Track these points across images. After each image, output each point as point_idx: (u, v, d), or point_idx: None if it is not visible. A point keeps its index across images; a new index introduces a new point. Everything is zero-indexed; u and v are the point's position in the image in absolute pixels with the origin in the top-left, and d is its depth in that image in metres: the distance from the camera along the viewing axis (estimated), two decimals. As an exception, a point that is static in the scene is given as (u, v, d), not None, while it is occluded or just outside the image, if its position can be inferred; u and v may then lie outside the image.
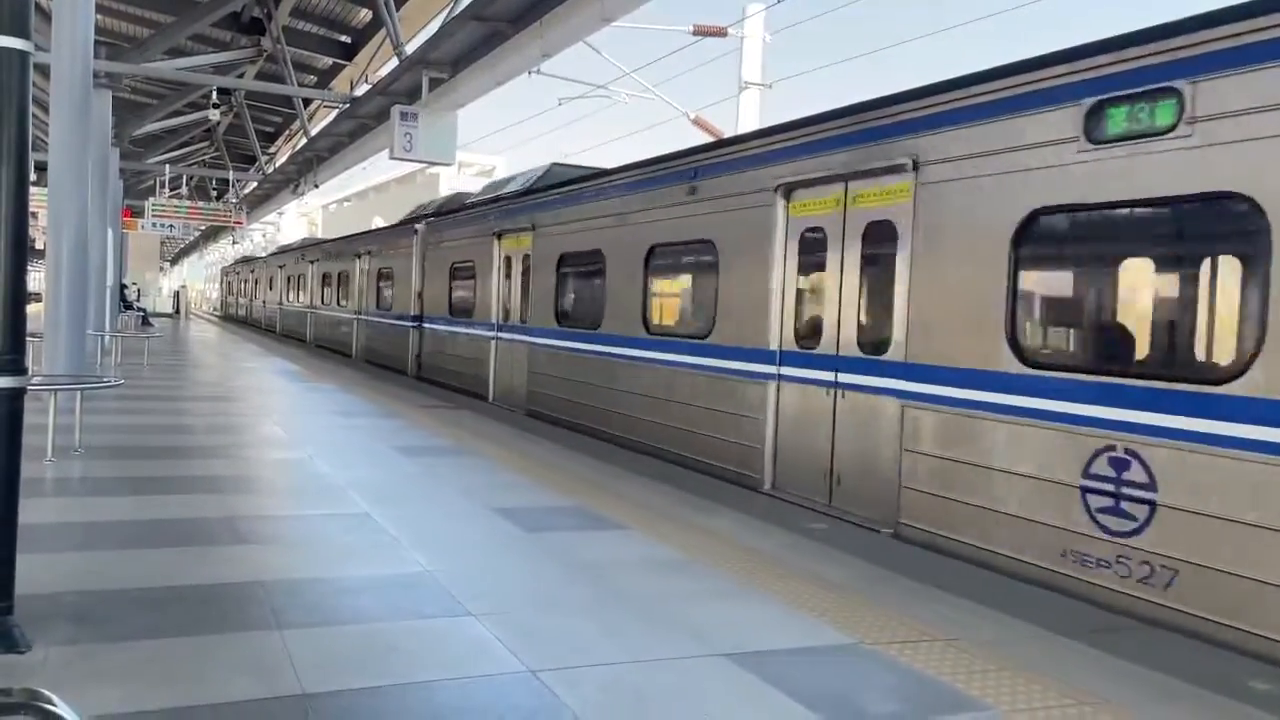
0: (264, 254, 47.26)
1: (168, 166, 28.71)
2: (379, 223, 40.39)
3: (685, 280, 9.90)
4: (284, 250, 36.35)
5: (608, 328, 10.38)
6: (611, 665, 3.67)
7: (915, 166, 6.35)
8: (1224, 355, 4.91)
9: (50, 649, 3.53)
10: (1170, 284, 5.48)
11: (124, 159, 24.05)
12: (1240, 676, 3.86)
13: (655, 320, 9.82)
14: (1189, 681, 3.75)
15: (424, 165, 31.14)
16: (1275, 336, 4.39)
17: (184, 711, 3.09)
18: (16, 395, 3.67)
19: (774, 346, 7.74)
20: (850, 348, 7.01)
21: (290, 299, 31.28)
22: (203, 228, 40.63)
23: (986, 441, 5.75)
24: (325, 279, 25.79)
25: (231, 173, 29.87)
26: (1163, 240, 5.42)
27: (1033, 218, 5.57)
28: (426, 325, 17.05)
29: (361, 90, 17.81)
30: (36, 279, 22.10)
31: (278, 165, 29.33)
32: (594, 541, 5.57)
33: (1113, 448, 5.03)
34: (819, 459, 7.24)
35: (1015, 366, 5.61)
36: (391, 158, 14.14)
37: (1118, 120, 5.14)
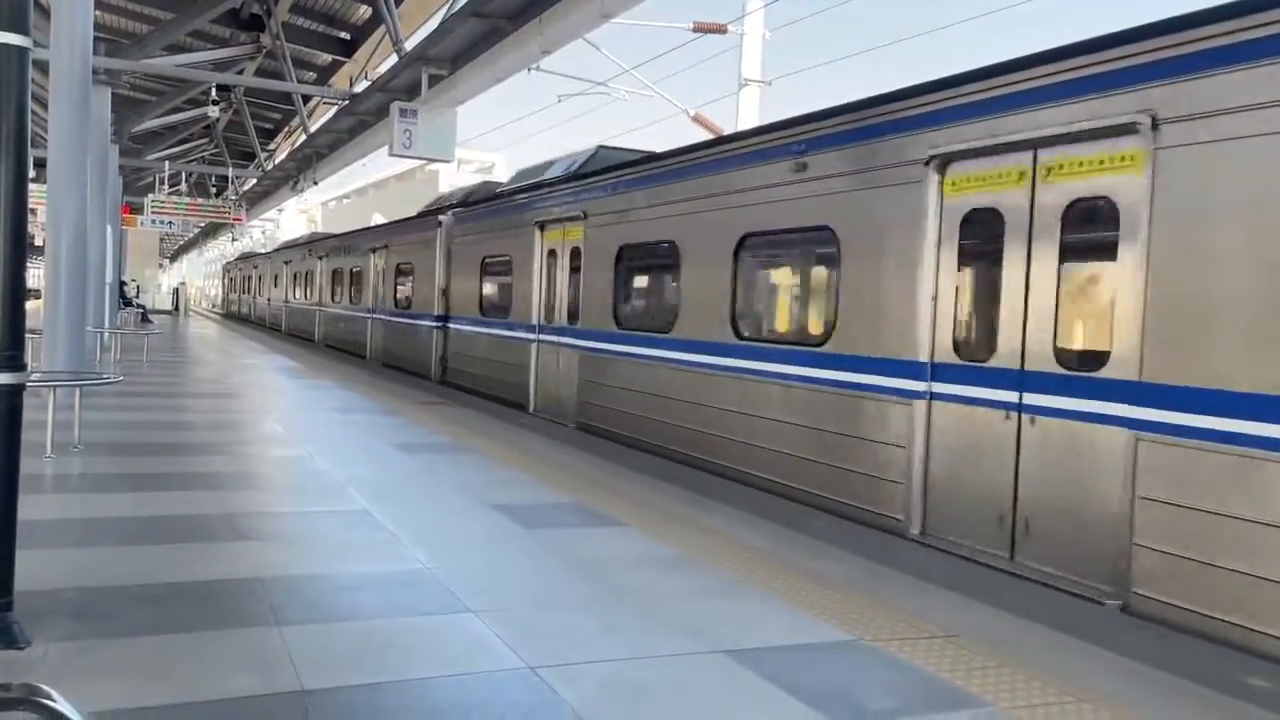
0: (264, 249, 47.09)
1: (167, 163, 28.69)
2: (378, 219, 40.38)
3: (790, 276, 8.35)
4: (291, 245, 35.12)
5: (683, 331, 8.99)
6: (610, 662, 3.67)
7: (1154, 125, 4.89)
8: None
9: (49, 645, 3.53)
10: None
11: (123, 155, 24.03)
12: (1240, 674, 3.87)
13: (748, 323, 8.31)
14: (1189, 679, 3.75)
15: (423, 162, 31.07)
16: None
17: (183, 707, 3.09)
18: (16, 391, 3.66)
19: (922, 357, 6.25)
20: (1043, 361, 5.52)
21: (298, 296, 29.97)
22: (202, 224, 40.69)
23: None
24: (336, 275, 24.41)
25: (231, 169, 29.86)
26: None
27: None
28: (453, 325, 15.88)
29: (361, 87, 17.78)
30: (36, 275, 22.10)
31: (277, 162, 29.31)
32: (594, 538, 5.57)
33: None
34: (994, 500, 5.76)
35: None
36: (391, 154, 14.11)
37: None
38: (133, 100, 23.28)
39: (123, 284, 29.91)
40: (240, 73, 19.95)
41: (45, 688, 1.83)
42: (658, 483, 7.34)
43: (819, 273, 7.64)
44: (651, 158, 10.12)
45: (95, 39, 12.04)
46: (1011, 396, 5.70)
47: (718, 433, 8.30)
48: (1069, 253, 5.46)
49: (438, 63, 14.09)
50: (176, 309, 43.10)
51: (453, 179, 54.24)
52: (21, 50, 3.70)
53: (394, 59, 15.31)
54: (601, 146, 12.74)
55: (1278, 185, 4.37)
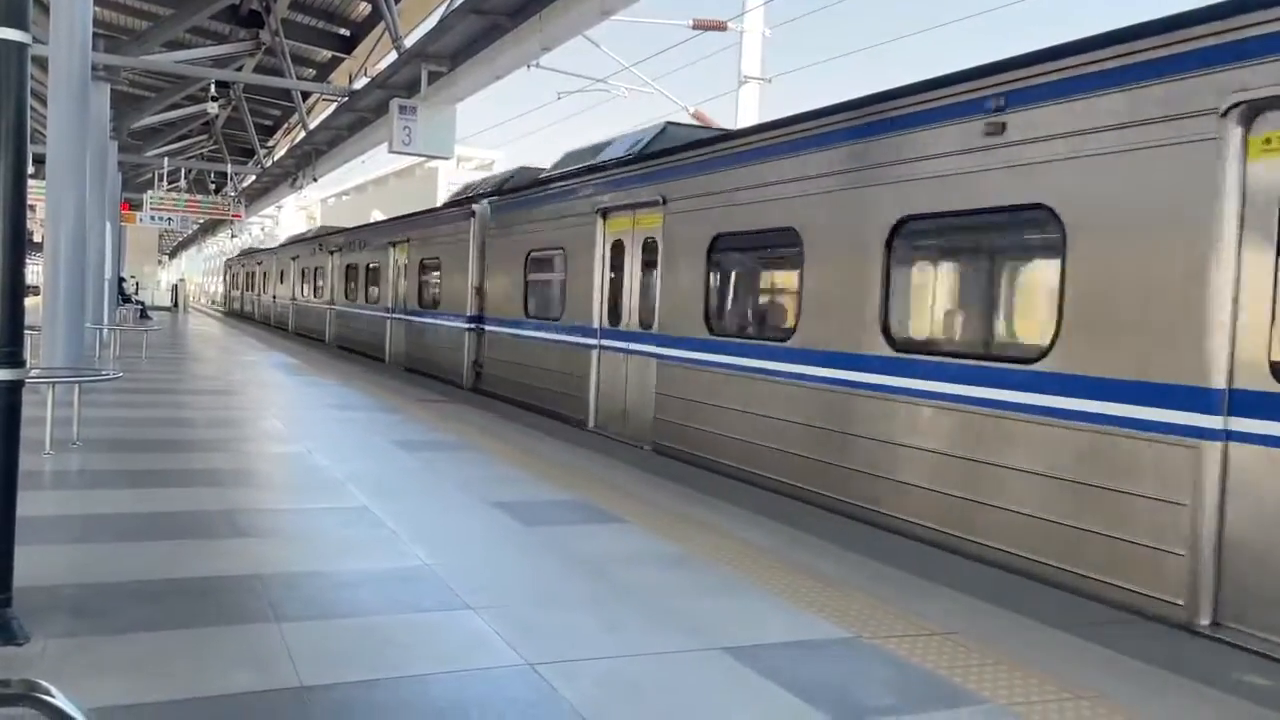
0: (266, 245, 46.85)
1: (166, 159, 28.67)
2: (377, 216, 40.26)
3: (972, 271, 6.60)
4: (298, 239, 32.89)
5: (805, 340, 7.40)
6: (609, 659, 3.67)
7: None
8: None
9: (48, 641, 3.53)
10: None
11: (122, 152, 24.03)
12: (1234, 670, 3.87)
13: (907, 329, 6.69)
14: (1184, 675, 3.75)
15: (423, 159, 31.04)
16: None
17: (182, 703, 3.09)
18: (14, 388, 3.66)
19: (1215, 383, 4.59)
20: None
21: (307, 294, 28.11)
22: (201, 221, 40.67)
23: None
24: (350, 271, 22.75)
25: (230, 166, 29.86)
26: None
27: None
28: (488, 327, 14.35)
29: (360, 84, 17.78)
30: (35, 272, 22.09)
31: (276, 159, 29.30)
32: (593, 535, 5.57)
33: None
34: None
35: None
36: (390, 151, 14.12)
37: None
38: (132, 96, 23.26)
39: (122, 280, 29.92)
40: (239, 69, 19.95)
41: (44, 684, 1.83)
42: (657, 480, 7.34)
43: (1025, 265, 6.20)
44: (759, 127, 8.59)
45: (94, 35, 12.05)
46: None
47: (891, 475, 6.51)
48: None
49: (437, 59, 14.09)
50: (176, 305, 43.09)
51: (453, 176, 54.21)
52: (21, 46, 3.70)
53: (393, 56, 15.32)
54: (670, 123, 11.29)
55: None
